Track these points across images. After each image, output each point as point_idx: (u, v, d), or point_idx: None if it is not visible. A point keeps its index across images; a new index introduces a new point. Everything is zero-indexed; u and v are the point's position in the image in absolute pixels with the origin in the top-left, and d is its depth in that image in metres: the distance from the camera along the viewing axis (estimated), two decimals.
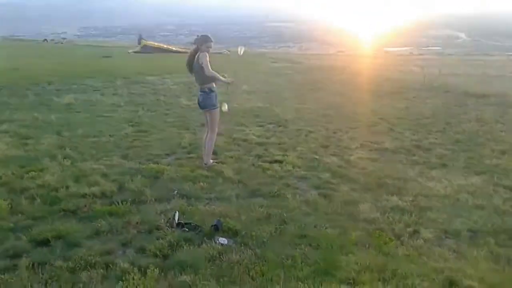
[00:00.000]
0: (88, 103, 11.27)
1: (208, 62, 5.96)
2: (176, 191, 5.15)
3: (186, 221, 4.25)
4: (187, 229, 4.13)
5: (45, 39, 57.24)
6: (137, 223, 4.23)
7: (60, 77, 15.66)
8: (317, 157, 6.91)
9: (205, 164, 6.29)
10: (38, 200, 4.74)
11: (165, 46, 35.41)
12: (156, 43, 36.45)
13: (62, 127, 8.40)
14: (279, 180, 5.78)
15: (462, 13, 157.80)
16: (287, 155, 6.90)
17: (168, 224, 4.20)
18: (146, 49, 32.53)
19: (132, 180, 5.46)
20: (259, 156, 6.89)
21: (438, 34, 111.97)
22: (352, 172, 6.18)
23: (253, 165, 6.45)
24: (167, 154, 6.88)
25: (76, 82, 14.77)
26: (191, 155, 6.88)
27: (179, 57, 30.50)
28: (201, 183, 5.49)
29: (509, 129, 8.96)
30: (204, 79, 6.09)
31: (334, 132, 8.64)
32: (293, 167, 6.32)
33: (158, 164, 6.28)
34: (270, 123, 9.32)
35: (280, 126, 9.13)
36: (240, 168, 6.24)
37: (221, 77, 6.10)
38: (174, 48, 34.60)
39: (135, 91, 13.62)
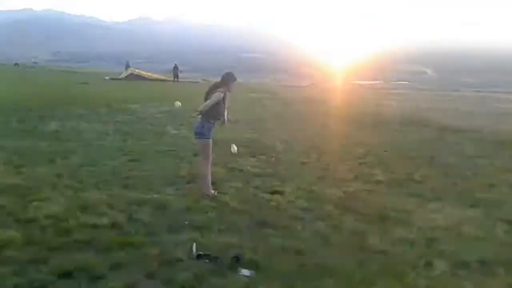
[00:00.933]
0: (75, 131, 11.16)
1: (221, 100, 6.15)
2: (187, 222, 5.15)
3: (206, 253, 4.25)
4: (208, 260, 4.13)
5: (16, 63, 56.50)
6: (157, 255, 4.20)
7: (40, 104, 15.47)
8: (315, 188, 7.02)
9: (206, 195, 6.31)
10: (50, 230, 4.66)
11: (149, 74, 35.62)
12: (143, 71, 36.61)
13: (55, 155, 8.30)
14: (284, 212, 5.83)
15: (424, 49, 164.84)
16: (286, 186, 6.99)
17: (189, 256, 4.19)
18: (132, 77, 32.65)
19: (139, 211, 5.43)
20: (258, 187, 6.94)
21: (406, 69, 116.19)
22: (354, 204, 6.28)
23: (255, 195, 6.51)
24: (168, 184, 6.86)
25: (58, 109, 14.61)
26: (191, 185, 6.89)
27: (156, 85, 30.77)
28: (209, 214, 5.50)
29: (491, 163, 9.30)
30: (209, 110, 6.21)
31: (327, 164, 8.79)
32: (296, 198, 6.40)
33: (159, 194, 6.29)
34: (262, 154, 9.41)
35: (272, 157, 9.23)
36: (244, 198, 6.28)
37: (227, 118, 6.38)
38: (161, 77, 34.81)
39: (120, 119, 13.58)
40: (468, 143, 11.47)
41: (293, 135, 11.87)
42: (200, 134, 6.29)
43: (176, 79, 32.81)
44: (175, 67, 33.67)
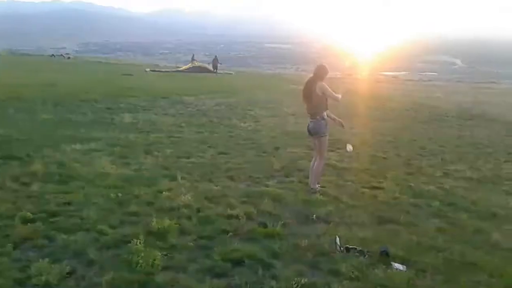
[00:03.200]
0: (149, 123, 11.48)
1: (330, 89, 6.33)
2: (314, 216, 5.36)
3: (352, 246, 4.46)
4: (358, 254, 4.34)
5: (52, 55, 57.60)
6: (306, 246, 4.43)
7: (102, 95, 15.88)
8: (412, 184, 7.16)
9: (312, 189, 6.52)
10: (194, 220, 4.94)
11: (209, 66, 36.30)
12: (205, 64, 37.35)
13: (148, 146, 8.61)
14: (396, 207, 5.99)
15: (456, 38, 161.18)
16: (383, 182, 7.16)
17: (340, 249, 4.41)
18: (195, 69, 33.56)
19: (261, 203, 5.66)
20: (354, 182, 7.11)
21: (434, 59, 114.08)
22: (458, 201, 6.41)
23: (357, 190, 6.69)
24: (268, 177, 7.08)
25: (121, 101, 15.01)
26: (291, 178, 7.10)
27: (196, 78, 31.13)
28: (328, 207, 5.70)
29: None
30: (318, 107, 6.38)
31: (408, 160, 8.91)
32: (399, 194, 6.54)
33: (268, 187, 6.52)
34: (338, 148, 9.55)
35: (351, 151, 9.36)
36: (350, 193, 6.46)
37: (337, 96, 6.40)
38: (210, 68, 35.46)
39: (183, 111, 13.89)
40: None
41: (360, 128, 11.96)
42: (317, 132, 6.45)
43: (215, 71, 33.20)
44: (215, 59, 34.02)
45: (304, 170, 7.55)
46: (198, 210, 5.27)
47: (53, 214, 4.89)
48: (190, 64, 34.86)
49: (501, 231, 5.30)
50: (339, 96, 6.44)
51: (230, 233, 4.62)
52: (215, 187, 6.30)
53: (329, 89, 6.35)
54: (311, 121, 6.51)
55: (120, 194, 5.57)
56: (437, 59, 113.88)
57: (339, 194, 6.35)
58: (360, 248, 4.43)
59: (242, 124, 12.02)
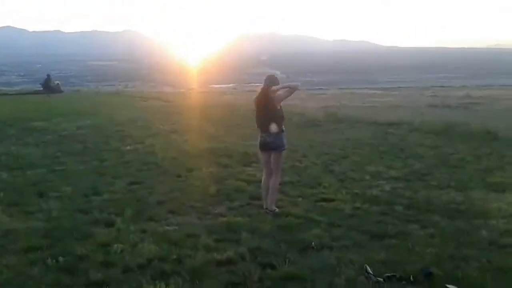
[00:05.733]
0: (12, 157, 9.33)
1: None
2: (313, 244, 4.59)
3: (392, 274, 3.83)
4: (405, 282, 3.73)
5: None
6: (343, 283, 3.67)
7: None
8: (357, 191, 6.85)
9: (270, 210, 5.77)
10: (184, 276, 3.77)
11: None
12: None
13: (36, 186, 6.82)
14: (367, 218, 5.55)
15: (277, 52, 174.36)
16: (328, 192, 6.74)
17: (376, 278, 3.74)
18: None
19: (241, 238, 4.70)
20: (303, 196, 6.54)
21: (258, 72, 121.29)
22: (411, 202, 6.26)
23: (315, 205, 6.12)
24: (212, 205, 6.08)
25: None
26: (237, 203, 6.22)
27: (27, 99, 27.13)
28: (315, 231, 4.99)
29: (457, 150, 10.10)
30: (276, 119, 5.66)
31: (327, 166, 8.68)
32: (359, 203, 6.15)
33: (223, 216, 5.55)
34: (252, 162, 8.86)
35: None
36: (312, 210, 5.86)
37: (289, 84, 5.77)
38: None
39: (45, 139, 11.78)
40: (413, 134, 12.32)
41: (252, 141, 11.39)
42: (278, 145, 5.70)
43: (48, 92, 29.38)
44: (48, 79, 30.02)
45: (243, 191, 6.78)
46: (179, 261, 4.08)
47: None
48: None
49: (483, 227, 5.23)
50: (294, 83, 5.79)
51: None
52: (168, 227, 5.10)
53: (280, 92, 5.73)
54: (268, 135, 5.73)
55: (60, 258, 4.04)
56: (260, 71, 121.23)
57: (304, 213, 5.70)
58: (399, 275, 3.83)
59: (127, 147, 10.51)
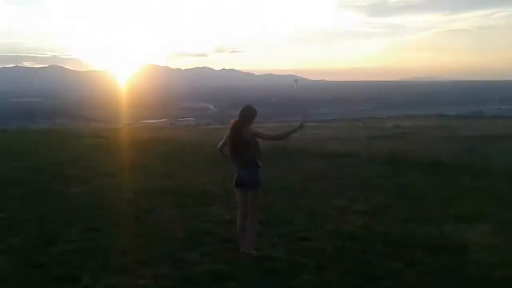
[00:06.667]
0: None
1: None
2: None
3: None
4: None
5: None
6: None
7: None
8: (332, 228, 6.65)
9: (246, 253, 5.41)
10: None
11: None
12: None
13: None
14: (355, 259, 5.34)
15: (208, 86, 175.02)
16: (302, 230, 6.50)
17: None
18: None
19: None
20: (279, 236, 6.24)
21: (191, 106, 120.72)
22: (389, 239, 6.13)
23: (295, 245, 5.85)
24: (186, 251, 5.60)
25: None
26: (210, 247, 5.79)
27: None
28: (305, 276, 4.67)
29: (410, 180, 10.27)
30: (254, 153, 5.35)
31: (292, 200, 8.45)
32: (340, 241, 5.94)
33: (203, 264, 5.10)
34: (217, 200, 8.46)
35: (226, 203, 8.39)
36: (293, 252, 5.56)
37: (289, 130, 5.42)
38: None
39: None
40: (367, 166, 12.38)
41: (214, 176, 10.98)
42: (254, 183, 5.36)
43: None
44: None
45: (212, 233, 6.37)
46: None
47: None
48: None
49: (469, 262, 5.18)
50: (285, 131, 5.49)
51: None
52: (143, 281, 4.56)
53: (261, 130, 5.41)
54: (243, 171, 5.40)
55: None
56: (193, 106, 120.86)
57: (285, 255, 5.38)
58: None
59: (73, 190, 9.67)
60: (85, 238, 6.15)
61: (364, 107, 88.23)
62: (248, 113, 5.45)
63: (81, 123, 66.84)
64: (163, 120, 79.81)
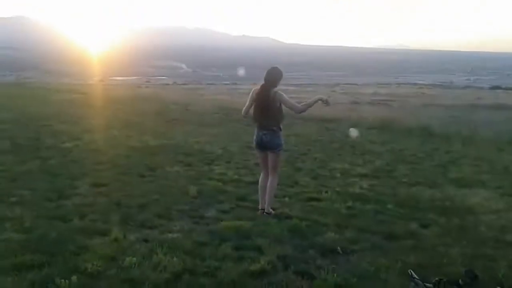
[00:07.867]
0: None
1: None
2: (338, 248, 4.37)
3: (440, 278, 3.72)
4: (455, 287, 3.64)
5: None
6: None
7: None
8: (337, 189, 6.76)
9: (266, 212, 5.47)
10: None
11: None
12: None
13: None
14: (369, 218, 5.46)
15: (181, 45, 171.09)
16: (310, 191, 6.59)
17: (425, 284, 3.62)
18: None
19: (259, 243, 4.34)
20: (288, 196, 6.29)
21: (162, 65, 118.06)
22: (397, 199, 6.30)
23: (307, 205, 5.92)
24: (203, 208, 5.61)
25: None
26: (226, 204, 5.81)
27: None
28: (329, 234, 4.76)
29: (405, 146, 10.51)
30: (279, 118, 5.32)
31: (292, 163, 8.52)
32: (350, 202, 6.05)
33: (224, 221, 5.11)
34: (228, 161, 8.49)
35: (228, 162, 8.42)
36: (307, 210, 5.65)
37: (311, 102, 5.38)
38: None
39: None
40: (359, 131, 12.53)
41: (200, 137, 10.91)
42: (276, 145, 5.35)
43: None
44: None
45: (225, 192, 6.40)
46: (211, 275, 3.64)
47: None
48: None
49: (479, 224, 5.39)
50: (310, 101, 5.40)
51: None
52: (171, 235, 4.57)
53: (287, 98, 5.32)
54: (265, 133, 5.37)
55: (74, 277, 3.41)
56: (165, 64, 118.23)
57: (303, 214, 5.46)
58: (446, 279, 3.73)
59: (66, 145, 9.49)
60: (96, 192, 6.07)
61: (335, 73, 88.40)
62: (274, 77, 5.36)
63: (51, 77, 64.59)
64: (135, 77, 77.95)
